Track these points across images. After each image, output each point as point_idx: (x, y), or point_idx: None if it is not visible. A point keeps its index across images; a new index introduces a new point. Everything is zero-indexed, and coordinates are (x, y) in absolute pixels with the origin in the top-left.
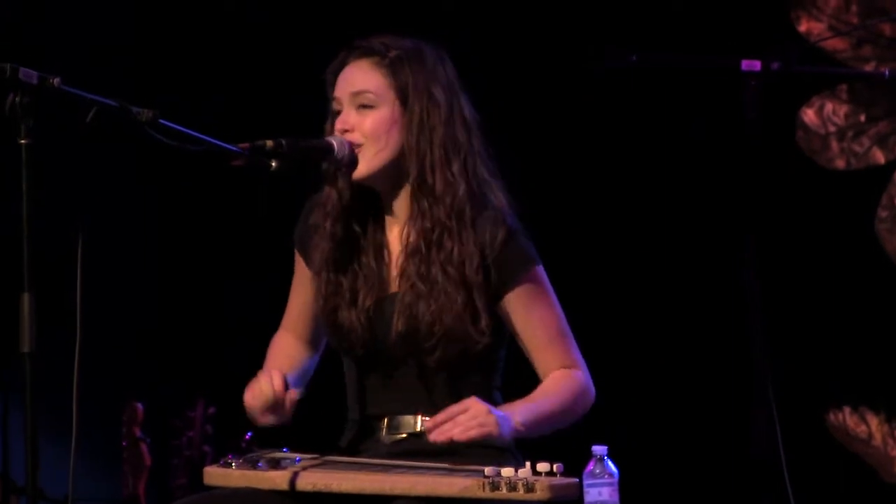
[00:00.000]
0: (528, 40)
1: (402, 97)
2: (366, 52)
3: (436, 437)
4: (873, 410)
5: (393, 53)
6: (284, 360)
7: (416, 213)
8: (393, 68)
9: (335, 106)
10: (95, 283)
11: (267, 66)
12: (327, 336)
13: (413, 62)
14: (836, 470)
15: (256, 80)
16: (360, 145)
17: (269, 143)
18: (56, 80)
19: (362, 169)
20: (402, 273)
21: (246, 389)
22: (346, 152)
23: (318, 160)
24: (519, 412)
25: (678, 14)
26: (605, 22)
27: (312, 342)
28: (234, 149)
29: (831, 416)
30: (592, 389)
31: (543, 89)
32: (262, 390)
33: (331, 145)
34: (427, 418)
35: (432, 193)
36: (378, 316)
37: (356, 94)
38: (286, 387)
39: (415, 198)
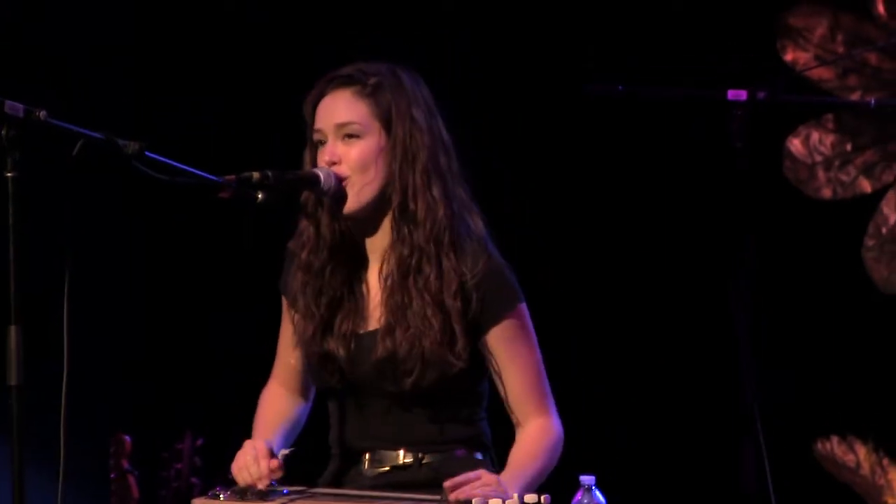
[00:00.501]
0: (517, 62)
1: (386, 126)
2: (345, 82)
3: (457, 496)
4: (861, 439)
5: (372, 81)
6: (275, 417)
7: (395, 240)
8: (375, 97)
9: (316, 137)
10: (82, 315)
11: (266, 67)
12: (308, 370)
13: (393, 88)
14: (825, 499)
15: (256, 82)
16: (346, 177)
17: (256, 175)
18: (42, 113)
19: (352, 202)
20: (382, 306)
21: (235, 461)
22: (333, 184)
23: (305, 192)
24: (515, 484)
25: (666, 42)
26: (594, 48)
27: (303, 392)
28: (221, 181)
29: (819, 446)
30: (562, 436)
31: (531, 111)
32: (249, 472)
33: (317, 177)
34: (409, 451)
35: (413, 220)
36: (357, 350)
37: (341, 125)
38: (272, 454)
39: (395, 225)
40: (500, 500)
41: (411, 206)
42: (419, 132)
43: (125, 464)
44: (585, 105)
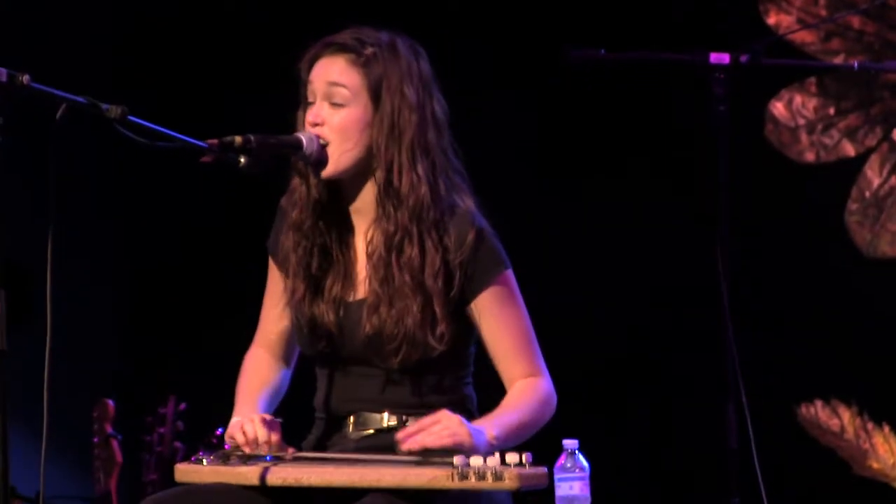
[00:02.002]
0: (499, 33)
1: (374, 97)
2: (341, 48)
3: (409, 445)
4: (845, 403)
5: (368, 51)
6: (258, 384)
7: (380, 216)
8: (367, 67)
9: (309, 96)
10: (66, 280)
11: (252, 31)
12: (297, 334)
13: (387, 59)
14: (809, 463)
15: (253, 77)
16: (328, 143)
17: (238, 139)
18: (25, 78)
19: (331, 167)
20: (371, 277)
21: (233, 427)
22: (315, 148)
23: (288, 156)
24: (493, 425)
25: (648, 7)
26: (574, 14)
27: (286, 357)
28: (203, 145)
29: (803, 410)
30: (555, 396)
31: (512, 76)
32: (248, 439)
33: (300, 141)
34: (393, 415)
35: (397, 196)
36: (347, 317)
37: (331, 83)
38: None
39: (380, 200)
40: (480, 459)
41: (395, 182)
42: (408, 108)
43: (108, 428)
44: (567, 70)
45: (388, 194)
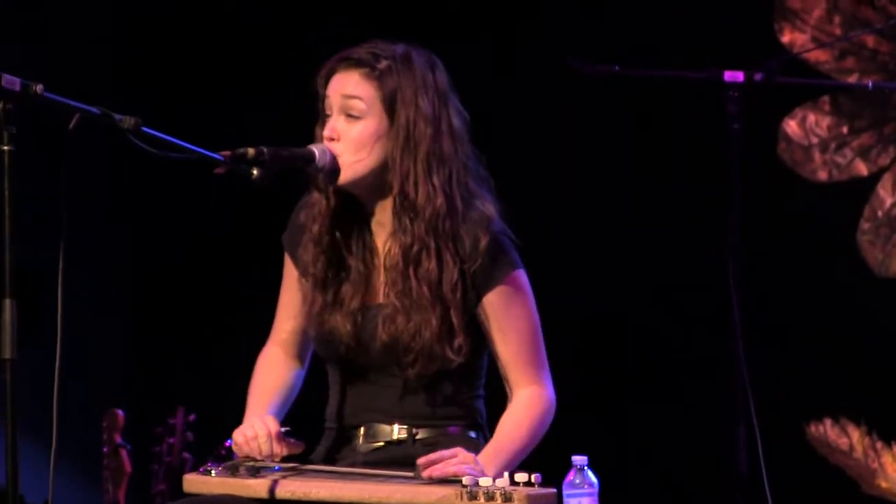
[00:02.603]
0: (512, 42)
1: (390, 110)
2: (356, 63)
3: (429, 473)
4: (854, 422)
5: (383, 64)
6: (272, 385)
7: (397, 228)
8: (382, 80)
9: (326, 110)
10: (76, 289)
11: (265, 65)
12: (314, 340)
13: (402, 72)
14: (818, 482)
15: (255, 80)
16: (339, 154)
17: (251, 151)
18: (39, 87)
19: (343, 176)
20: (388, 285)
21: (240, 432)
22: (328, 161)
23: (300, 169)
24: (492, 462)
25: (663, 23)
26: (590, 29)
27: (300, 356)
28: (216, 156)
29: (812, 429)
30: (555, 404)
31: (525, 92)
32: (259, 447)
33: (312, 154)
34: (403, 426)
35: (413, 208)
36: (363, 324)
37: (346, 96)
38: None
39: (396, 212)
40: (489, 479)
41: (411, 194)
42: (423, 120)
43: (118, 438)
44: (581, 86)
45: (403, 206)
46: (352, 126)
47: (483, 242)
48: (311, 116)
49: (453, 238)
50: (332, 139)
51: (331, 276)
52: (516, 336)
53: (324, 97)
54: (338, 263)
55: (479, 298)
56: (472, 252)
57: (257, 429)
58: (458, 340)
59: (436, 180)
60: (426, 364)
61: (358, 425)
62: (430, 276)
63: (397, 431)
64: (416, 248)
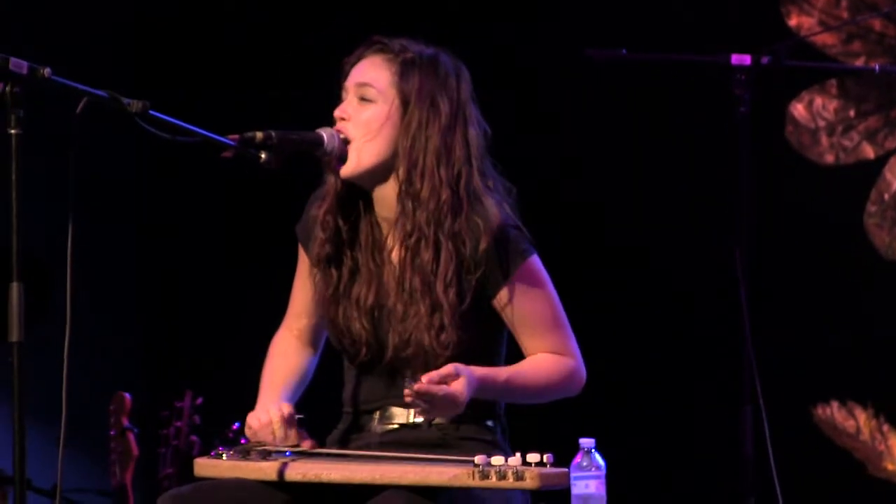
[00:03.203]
0: (521, 32)
1: (404, 100)
2: (382, 49)
3: (412, 400)
4: (861, 405)
5: (408, 56)
6: (285, 370)
7: (400, 217)
8: (402, 69)
9: (343, 95)
10: (84, 274)
11: (268, 60)
12: (330, 332)
13: (425, 68)
14: (824, 465)
15: (259, 75)
16: (351, 138)
17: (259, 134)
18: (46, 71)
19: (351, 164)
20: (399, 282)
21: (254, 416)
22: (336, 145)
23: (309, 153)
24: (484, 387)
25: (670, 6)
26: (597, 13)
27: (313, 342)
28: (224, 140)
29: (819, 411)
30: (582, 375)
31: (533, 77)
32: (274, 433)
33: (321, 138)
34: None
35: (417, 197)
36: (379, 323)
37: (360, 84)
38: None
39: (400, 199)
40: (501, 458)
41: (416, 184)
42: (437, 118)
43: (125, 421)
44: (588, 70)
45: (408, 194)
46: (363, 109)
47: (490, 243)
48: (321, 108)
49: (454, 235)
50: (342, 118)
51: (340, 263)
52: (539, 319)
53: (344, 81)
54: (346, 252)
55: (493, 293)
56: (473, 253)
57: (272, 414)
58: (444, 336)
59: (443, 174)
60: (435, 365)
61: (373, 409)
62: (424, 268)
63: (413, 414)
64: (415, 236)
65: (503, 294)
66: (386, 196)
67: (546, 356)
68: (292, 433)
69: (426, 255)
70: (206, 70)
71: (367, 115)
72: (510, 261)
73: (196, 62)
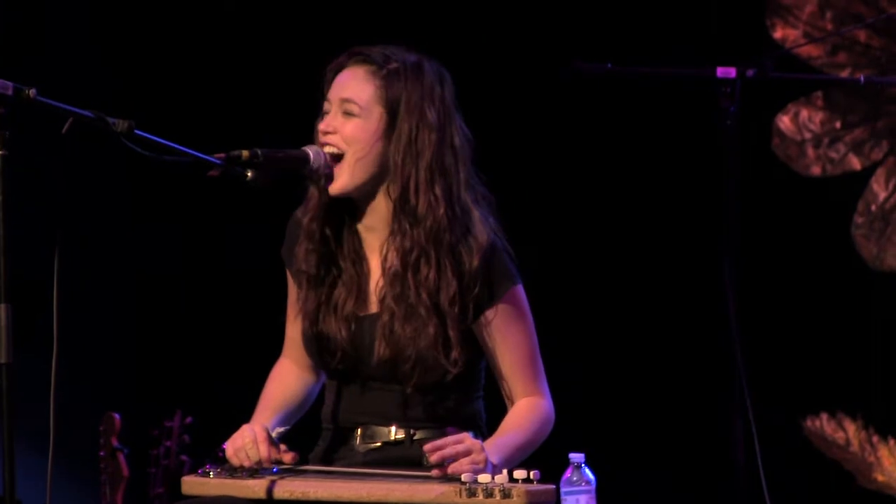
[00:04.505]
0: (507, 47)
1: (391, 112)
2: (365, 60)
3: (437, 459)
4: (850, 416)
5: (392, 66)
6: (280, 395)
7: (396, 233)
8: (387, 81)
9: (325, 107)
10: (72, 293)
11: (259, 43)
12: (307, 346)
13: (410, 78)
14: (815, 476)
15: (251, 83)
16: (340, 155)
17: (245, 153)
18: (32, 91)
19: (343, 181)
20: (384, 293)
21: (231, 442)
22: (323, 163)
23: (295, 170)
24: (496, 451)
25: (655, 20)
26: (582, 26)
27: (314, 368)
28: (210, 159)
29: (809, 423)
30: (553, 417)
31: (519, 95)
32: (247, 455)
33: (307, 155)
34: (401, 428)
35: (414, 214)
36: (359, 334)
37: (344, 100)
38: (271, 439)
39: (396, 217)
40: (489, 476)
41: (412, 200)
42: (427, 129)
43: (115, 442)
44: (573, 84)
45: (404, 211)
46: (347, 123)
47: (482, 261)
48: (308, 120)
49: (452, 251)
50: (327, 133)
51: (323, 272)
52: (516, 351)
53: (326, 92)
54: (330, 261)
55: (477, 315)
56: (469, 269)
57: (245, 437)
58: (455, 353)
59: (437, 190)
60: (423, 374)
61: (354, 427)
62: (429, 284)
63: (395, 432)
64: (415, 253)
65: (488, 315)
66: (374, 208)
67: (526, 405)
68: (266, 452)
69: (427, 271)
70: (189, 87)
71: (352, 127)
72: (498, 283)
73: (179, 79)
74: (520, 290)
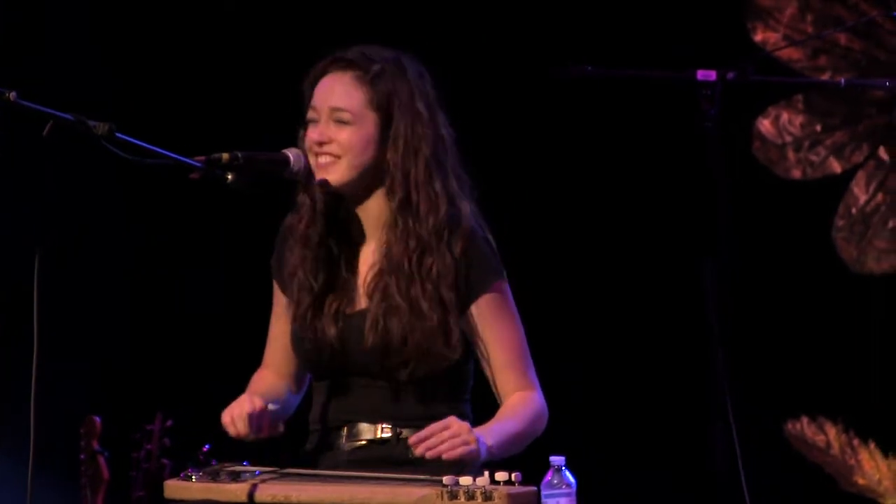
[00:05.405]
0: (489, 50)
1: (384, 114)
2: (348, 65)
3: (422, 451)
4: (831, 420)
5: (375, 68)
6: (265, 389)
7: (399, 230)
8: (374, 84)
9: (311, 115)
10: (52, 296)
11: (245, 47)
12: (296, 347)
13: (396, 75)
14: (796, 480)
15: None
16: (337, 157)
17: (225, 155)
18: (12, 94)
19: (337, 176)
20: (375, 288)
21: (228, 410)
22: (303, 165)
23: (275, 173)
24: (491, 434)
25: (635, 22)
26: (562, 30)
27: (296, 378)
28: (191, 162)
29: (789, 426)
30: (547, 411)
31: (498, 93)
32: (241, 409)
33: (287, 158)
34: (387, 426)
35: (417, 212)
36: (348, 330)
37: (334, 109)
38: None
39: (398, 215)
40: (470, 478)
41: (413, 197)
42: (421, 125)
43: (95, 445)
44: (553, 87)
45: (407, 210)
46: (342, 129)
47: (472, 245)
48: (288, 127)
49: (450, 240)
50: (322, 143)
51: (318, 277)
52: (507, 343)
53: (310, 99)
54: (324, 265)
55: (467, 305)
56: (462, 259)
57: (243, 406)
58: (455, 337)
59: (437, 186)
60: (418, 364)
61: (341, 425)
62: (432, 275)
63: (381, 430)
64: (420, 248)
65: (476, 308)
66: (368, 208)
67: (519, 398)
68: (265, 425)
69: (430, 262)
70: (189, 87)
71: (347, 135)
72: (485, 271)
73: (179, 80)
74: (506, 283)
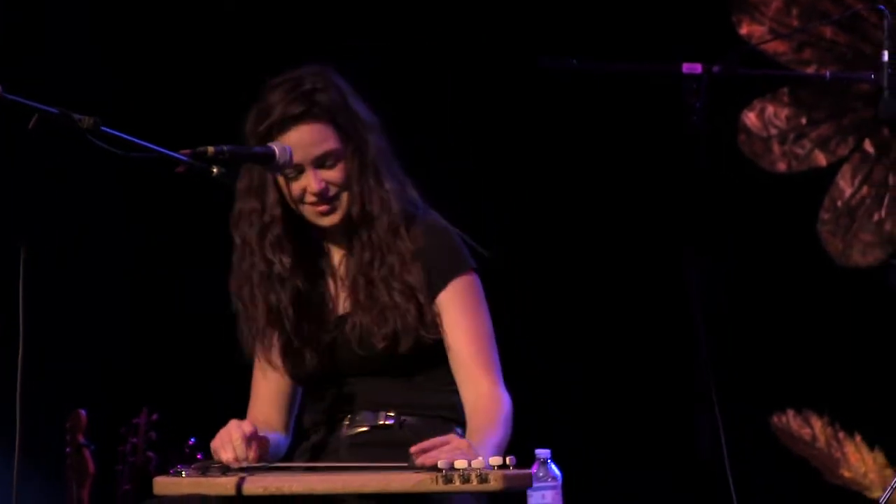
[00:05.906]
0: (471, 43)
1: (351, 139)
2: (304, 115)
3: (423, 460)
4: (817, 413)
5: (322, 100)
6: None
7: (355, 241)
8: (331, 118)
9: (291, 173)
10: (38, 291)
11: (228, 42)
12: (283, 364)
13: (330, 91)
14: (781, 472)
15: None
16: (337, 197)
17: (211, 149)
18: None
19: (341, 212)
20: (349, 296)
21: (218, 437)
22: (288, 157)
23: (262, 165)
24: (484, 448)
25: (620, 15)
26: (548, 22)
27: (284, 426)
28: (176, 155)
29: (775, 419)
30: (512, 407)
31: (484, 86)
32: (230, 436)
33: (273, 152)
34: (390, 413)
35: (371, 218)
36: (330, 343)
37: (318, 158)
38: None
39: (355, 226)
40: (465, 461)
41: (367, 206)
42: (362, 126)
43: (81, 438)
44: (539, 80)
45: (364, 220)
46: (332, 171)
47: (433, 241)
48: None
49: (408, 234)
50: (324, 191)
51: (289, 309)
52: (473, 335)
53: (291, 162)
54: (293, 295)
55: (435, 294)
56: (425, 250)
57: (233, 431)
58: (429, 315)
59: (387, 185)
60: (398, 338)
61: (342, 418)
62: (395, 271)
63: (384, 417)
64: (378, 253)
65: (444, 297)
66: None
67: (489, 404)
68: (252, 452)
69: (392, 260)
70: (189, 88)
71: (339, 173)
72: (455, 266)
73: (179, 80)
74: (475, 276)
